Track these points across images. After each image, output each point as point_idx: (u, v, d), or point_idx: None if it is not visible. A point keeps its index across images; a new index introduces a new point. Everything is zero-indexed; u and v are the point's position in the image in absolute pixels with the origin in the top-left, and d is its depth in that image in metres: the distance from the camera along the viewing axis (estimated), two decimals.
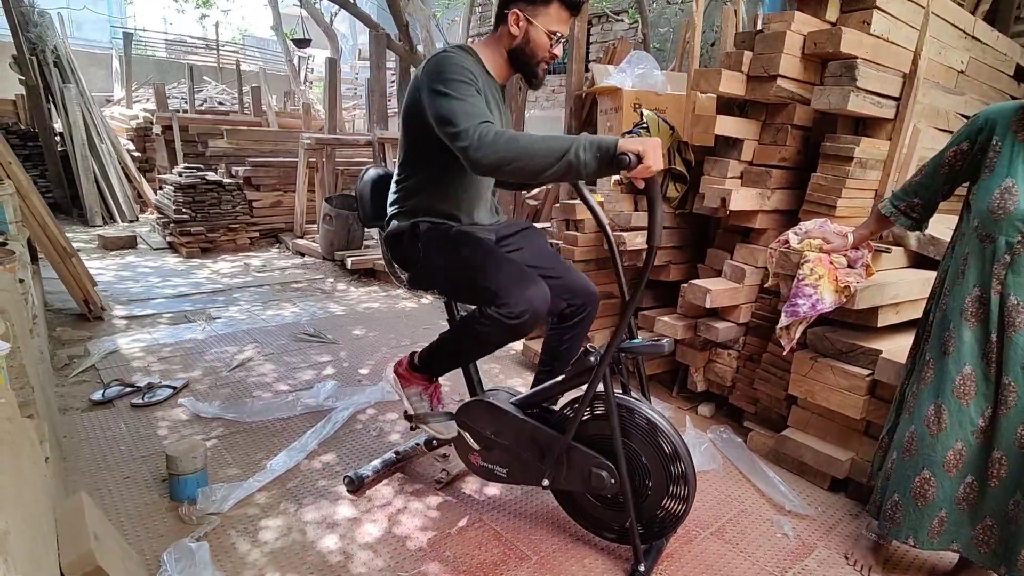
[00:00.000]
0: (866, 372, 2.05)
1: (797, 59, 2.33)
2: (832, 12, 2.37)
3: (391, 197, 1.86)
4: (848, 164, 2.23)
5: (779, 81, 2.31)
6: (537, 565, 1.75)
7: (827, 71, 2.23)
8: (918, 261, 2.33)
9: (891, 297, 2.05)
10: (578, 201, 3.04)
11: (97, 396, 2.64)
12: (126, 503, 1.93)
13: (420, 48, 6.31)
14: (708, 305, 2.45)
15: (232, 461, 2.22)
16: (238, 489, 1.99)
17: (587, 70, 4.21)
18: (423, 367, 1.85)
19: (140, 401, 2.61)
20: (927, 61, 2.36)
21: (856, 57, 2.23)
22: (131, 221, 7.29)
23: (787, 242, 2.06)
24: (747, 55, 2.37)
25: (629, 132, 2.77)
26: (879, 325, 2.07)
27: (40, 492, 1.16)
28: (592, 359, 1.61)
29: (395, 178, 1.85)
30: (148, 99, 10.01)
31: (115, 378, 2.81)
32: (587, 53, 6.81)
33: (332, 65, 6.68)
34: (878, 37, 2.31)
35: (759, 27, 2.43)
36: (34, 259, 3.61)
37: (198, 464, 1.96)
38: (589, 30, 6.46)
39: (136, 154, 8.30)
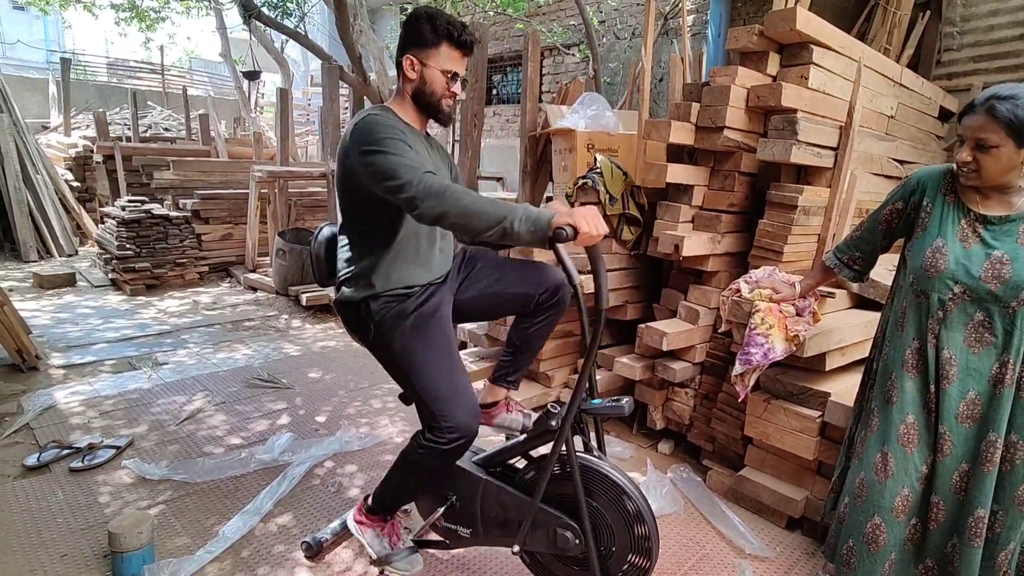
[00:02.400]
0: (817, 414, 2.12)
1: (742, 111, 2.43)
2: (773, 67, 2.49)
3: (340, 259, 1.81)
4: (793, 212, 2.32)
5: (726, 132, 2.40)
6: None
7: (770, 124, 2.34)
8: (860, 302, 2.44)
9: (837, 342, 2.14)
10: None
11: (32, 461, 2.48)
12: None
13: (374, 78, 6.29)
14: (665, 348, 2.49)
15: (181, 529, 2.12)
16: (188, 563, 1.90)
17: (541, 103, 4.29)
18: (377, 508, 1.81)
19: (79, 464, 2.47)
20: (861, 110, 2.50)
21: (796, 110, 2.35)
22: (70, 255, 6.96)
23: (739, 291, 2.12)
24: (695, 107, 2.46)
25: (583, 177, 2.83)
26: (827, 369, 2.16)
27: None
28: (553, 422, 1.62)
29: (341, 241, 1.81)
30: (88, 126, 9.62)
31: (52, 439, 2.65)
32: (541, 84, 6.93)
33: (283, 95, 6.59)
34: (815, 90, 2.44)
35: (704, 78, 2.53)
36: None
37: (143, 539, 1.86)
38: (542, 63, 6.58)
39: (75, 184, 7.96)
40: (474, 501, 1.79)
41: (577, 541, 1.66)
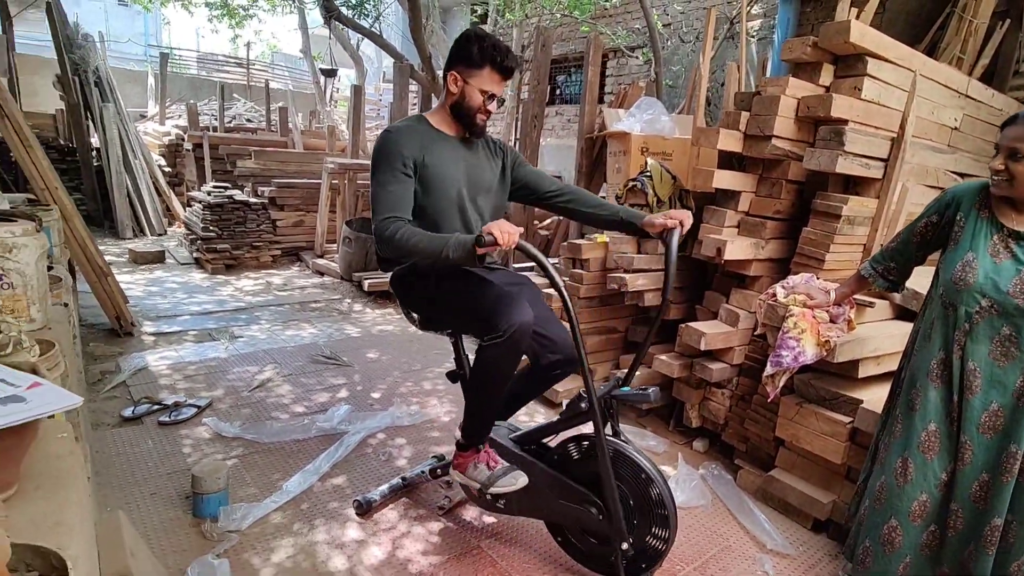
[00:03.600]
0: (847, 420, 2.16)
1: (791, 120, 2.48)
2: (826, 77, 2.52)
3: None
4: (837, 221, 2.36)
5: (774, 141, 2.46)
6: None
7: (818, 134, 2.38)
8: (901, 313, 2.44)
9: (871, 350, 2.17)
10: (584, 241, 3.20)
11: (127, 413, 2.83)
12: (152, 518, 2.10)
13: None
14: (703, 347, 2.58)
15: (251, 481, 2.38)
16: (256, 509, 2.16)
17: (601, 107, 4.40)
18: (467, 442, 1.94)
19: (167, 419, 2.80)
20: (917, 122, 2.50)
21: (847, 121, 2.38)
22: (160, 234, 7.59)
23: (774, 295, 2.19)
24: (744, 115, 2.52)
25: (633, 180, 2.94)
26: (860, 376, 2.19)
27: (90, 514, 1.32)
28: (583, 404, 1.76)
29: None
30: (180, 115, 10.39)
31: (144, 396, 3.00)
32: (603, 85, 6.99)
33: (357, 91, 6.94)
34: (869, 101, 2.46)
35: (762, 80, 2.58)
36: (72, 277, 3.84)
37: (220, 484, 2.13)
38: (605, 65, 6.65)
39: (167, 169, 8.65)
40: None
41: (601, 517, 1.79)
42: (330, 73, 10.73)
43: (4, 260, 1.75)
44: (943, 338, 1.67)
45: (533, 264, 1.68)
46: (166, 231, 7.71)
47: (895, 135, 2.44)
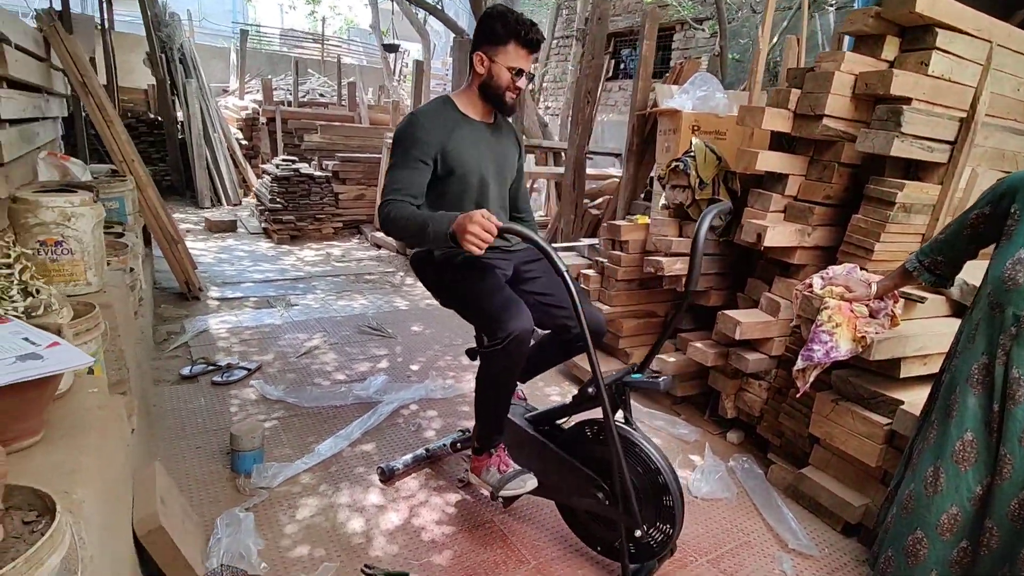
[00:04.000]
0: (885, 421, 2.04)
1: (847, 99, 2.31)
2: (890, 51, 2.32)
3: None
4: (890, 208, 2.19)
5: (825, 120, 2.30)
6: (534, 570, 1.92)
7: (875, 113, 2.20)
8: (959, 310, 2.25)
9: (916, 349, 2.02)
10: (624, 222, 3.13)
11: (185, 371, 3.05)
12: (195, 470, 2.28)
13: None
14: (737, 336, 2.48)
15: (287, 442, 2.53)
16: (287, 468, 2.29)
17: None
18: (480, 446, 1.98)
19: (219, 379, 3.00)
20: (995, 100, 2.26)
21: (910, 99, 2.19)
22: (235, 204, 8.03)
23: (811, 286, 2.07)
24: (795, 93, 2.37)
25: (676, 160, 2.83)
26: (901, 376, 2.05)
27: (120, 464, 1.45)
28: (590, 390, 1.75)
29: None
30: (259, 90, 10.86)
31: (201, 356, 3.23)
32: (668, 60, 6.73)
33: (419, 67, 7.01)
34: (937, 78, 2.25)
35: (819, 55, 2.41)
36: (147, 243, 4.15)
37: (256, 443, 2.27)
38: (671, 38, 6.37)
39: (244, 142, 9.10)
40: (521, 451, 1.99)
41: (607, 502, 1.79)
42: (392, 48, 10.88)
43: (63, 228, 1.91)
44: (987, 341, 1.53)
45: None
46: (241, 201, 8.15)
47: (965, 115, 2.22)
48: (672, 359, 2.93)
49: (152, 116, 8.51)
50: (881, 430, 2.03)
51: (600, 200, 4.84)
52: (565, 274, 1.61)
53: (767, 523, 2.22)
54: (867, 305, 1.94)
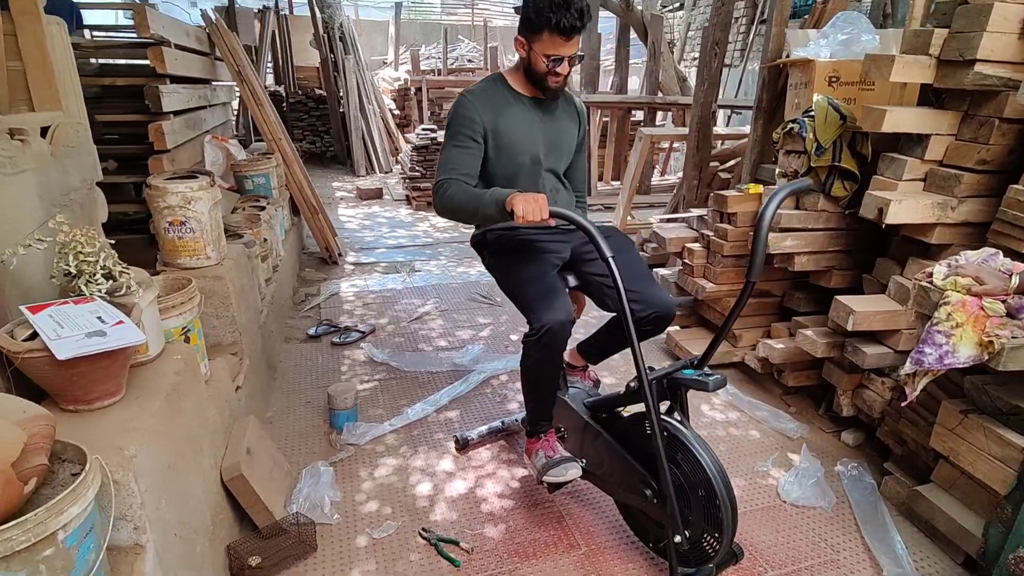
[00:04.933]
0: None
1: (1013, 37, 1.83)
2: None
3: None
4: None
5: (977, 66, 1.85)
6: (584, 556, 1.90)
7: None
8: None
9: None
10: (733, 192, 2.85)
11: (311, 331, 3.42)
12: (300, 423, 2.57)
13: (638, 2, 6.10)
14: (850, 327, 2.16)
15: (382, 403, 2.74)
16: (376, 428, 2.49)
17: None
18: (531, 429, 1.99)
19: (338, 340, 3.32)
20: None
21: None
22: (386, 172, 8.64)
23: (931, 274, 1.71)
24: (937, 34, 1.93)
25: (793, 121, 2.49)
26: None
27: (200, 421, 1.69)
28: (633, 383, 1.65)
29: None
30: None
31: (326, 318, 3.58)
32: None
33: None
34: None
35: None
36: (296, 213, 4.65)
37: (348, 403, 2.49)
38: None
39: (396, 112, 9.68)
40: (577, 437, 1.96)
41: (656, 500, 1.70)
42: (518, 9, 10.71)
43: (186, 210, 2.20)
44: None
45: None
46: (391, 170, 8.74)
47: None
48: (780, 345, 2.64)
49: (319, 92, 9.38)
50: (1019, 454, 1.66)
51: (733, 163, 4.42)
52: (610, 260, 1.53)
53: (865, 542, 1.95)
54: (1004, 301, 1.56)
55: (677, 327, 3.29)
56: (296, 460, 2.30)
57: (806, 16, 3.87)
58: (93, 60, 3.46)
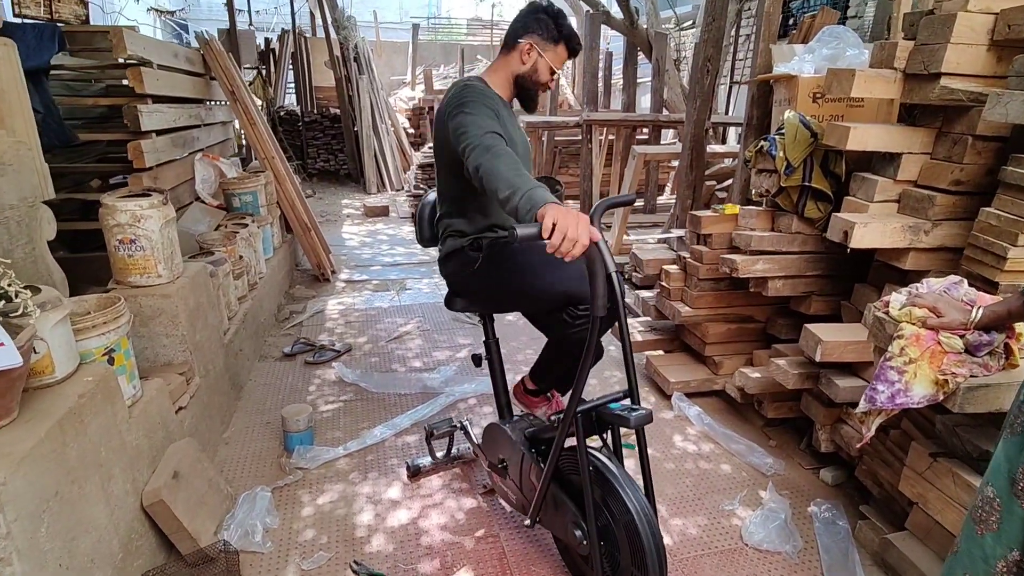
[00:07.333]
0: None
1: (980, 49, 1.70)
2: None
3: (442, 219, 1.99)
4: None
5: (943, 80, 1.72)
6: None
7: (1012, 67, 1.58)
8: None
9: None
10: (708, 212, 2.73)
11: (287, 350, 3.38)
12: (255, 444, 2.51)
13: (643, 21, 6.03)
14: (818, 358, 2.02)
15: (341, 426, 2.67)
16: (328, 452, 2.42)
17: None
18: (538, 387, 2.08)
19: (311, 359, 3.27)
20: None
21: None
22: (397, 190, 8.69)
23: (887, 304, 1.57)
24: (902, 46, 1.81)
25: (764, 138, 2.37)
26: None
27: (114, 444, 1.64)
28: (553, 416, 1.55)
29: (440, 205, 1.98)
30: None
31: (303, 336, 3.55)
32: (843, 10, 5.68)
33: None
34: None
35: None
36: (289, 230, 4.67)
37: (301, 426, 2.43)
38: None
39: (411, 131, 9.78)
40: (516, 469, 1.85)
41: (585, 542, 1.58)
42: None
43: (135, 228, 2.19)
44: None
45: None
46: (402, 187, 8.78)
47: None
48: (757, 375, 2.49)
49: (334, 111, 9.52)
50: None
51: (729, 181, 4.28)
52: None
53: None
54: (961, 335, 1.42)
55: (660, 352, 3.17)
56: (241, 484, 2.24)
57: (794, 31, 3.75)
58: (93, 81, 3.55)
